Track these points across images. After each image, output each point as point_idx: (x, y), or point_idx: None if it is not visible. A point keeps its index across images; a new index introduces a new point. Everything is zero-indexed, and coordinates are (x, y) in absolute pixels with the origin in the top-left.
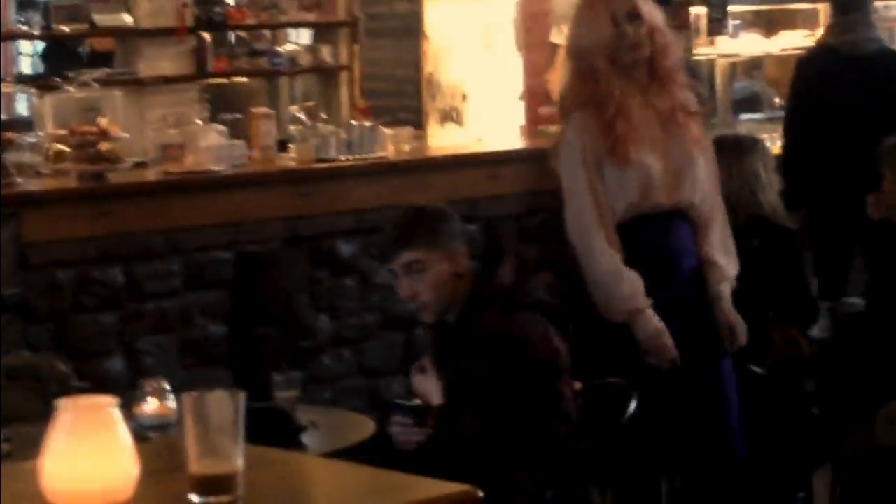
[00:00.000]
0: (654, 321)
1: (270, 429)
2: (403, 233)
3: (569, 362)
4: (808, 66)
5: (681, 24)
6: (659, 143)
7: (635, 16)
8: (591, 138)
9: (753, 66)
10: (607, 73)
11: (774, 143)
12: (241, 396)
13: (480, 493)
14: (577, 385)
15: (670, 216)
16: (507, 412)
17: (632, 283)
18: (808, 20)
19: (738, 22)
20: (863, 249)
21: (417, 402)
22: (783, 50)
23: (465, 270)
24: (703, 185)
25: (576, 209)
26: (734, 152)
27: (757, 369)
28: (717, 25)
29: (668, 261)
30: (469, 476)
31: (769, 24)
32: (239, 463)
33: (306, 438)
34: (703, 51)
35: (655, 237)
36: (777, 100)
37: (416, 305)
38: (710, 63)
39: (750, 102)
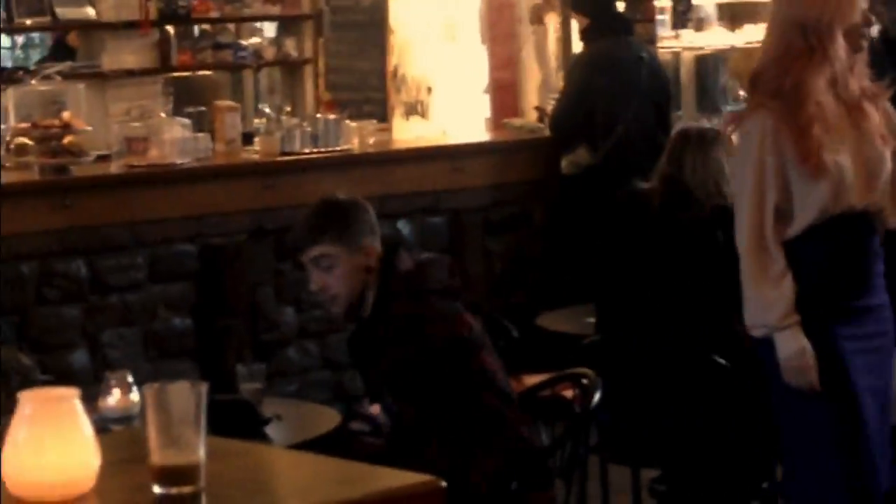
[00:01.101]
0: (799, 339)
1: (235, 421)
2: (312, 227)
3: (485, 337)
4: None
5: (646, 17)
6: (848, 138)
7: None
8: (775, 143)
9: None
10: (838, 53)
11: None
12: (203, 387)
13: (443, 484)
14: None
15: (862, 218)
16: (439, 393)
17: (781, 296)
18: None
19: (702, 15)
20: None
21: (377, 409)
22: (748, 43)
23: (376, 264)
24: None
25: (738, 210)
26: (698, 145)
27: (722, 361)
28: (681, 18)
29: (863, 266)
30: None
31: (732, 17)
32: (201, 454)
33: (271, 430)
34: (667, 44)
35: (849, 241)
36: (741, 93)
37: (324, 299)
38: (675, 56)
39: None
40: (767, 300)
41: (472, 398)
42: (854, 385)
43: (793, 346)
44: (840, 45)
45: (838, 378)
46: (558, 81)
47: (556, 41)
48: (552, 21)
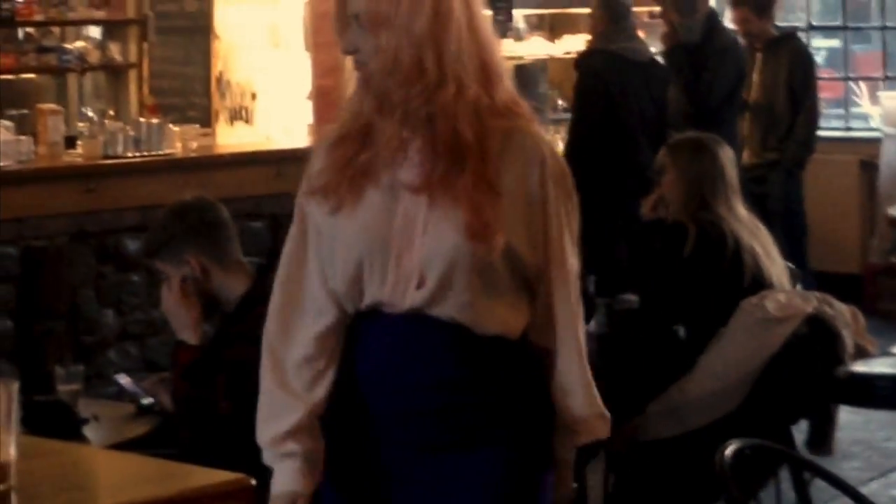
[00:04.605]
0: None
1: (52, 422)
2: (145, 244)
3: None
4: (599, 69)
5: None
6: None
7: None
8: None
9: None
10: None
11: (558, 145)
12: (14, 386)
13: (253, 482)
14: None
15: None
16: None
17: None
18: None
19: (523, 25)
20: (630, 248)
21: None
22: (566, 53)
23: (206, 269)
24: None
25: None
26: None
27: None
28: (502, 28)
29: None
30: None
31: (552, 27)
32: (11, 452)
33: (88, 431)
34: None
35: None
36: (560, 101)
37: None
38: None
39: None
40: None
41: None
42: None
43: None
44: None
45: None
46: None
47: None
48: None
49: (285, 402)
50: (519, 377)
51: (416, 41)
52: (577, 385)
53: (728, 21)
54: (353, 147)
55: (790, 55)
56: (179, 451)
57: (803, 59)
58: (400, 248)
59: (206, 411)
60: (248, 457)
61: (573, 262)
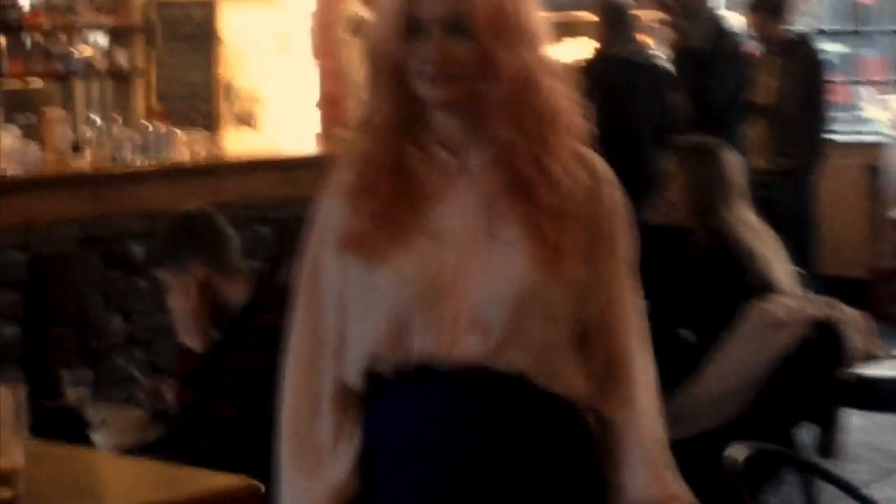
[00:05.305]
0: None
1: (60, 427)
2: (150, 254)
3: None
4: (602, 73)
5: None
6: None
7: None
8: None
9: None
10: None
11: None
12: (22, 391)
13: (263, 488)
14: None
15: None
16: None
17: None
18: (591, 30)
19: None
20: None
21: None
22: (568, 57)
23: (211, 278)
24: None
25: None
26: None
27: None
28: None
29: None
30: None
31: (554, 32)
32: (20, 457)
33: (96, 436)
34: None
35: None
36: None
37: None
38: None
39: None
40: None
41: None
42: None
43: None
44: None
45: None
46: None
47: None
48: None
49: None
50: (574, 447)
51: (535, 65)
52: (640, 459)
53: (735, 26)
54: (385, 184)
55: (804, 60)
56: (184, 456)
57: (816, 64)
58: (455, 292)
59: (210, 416)
60: (254, 460)
61: (639, 303)
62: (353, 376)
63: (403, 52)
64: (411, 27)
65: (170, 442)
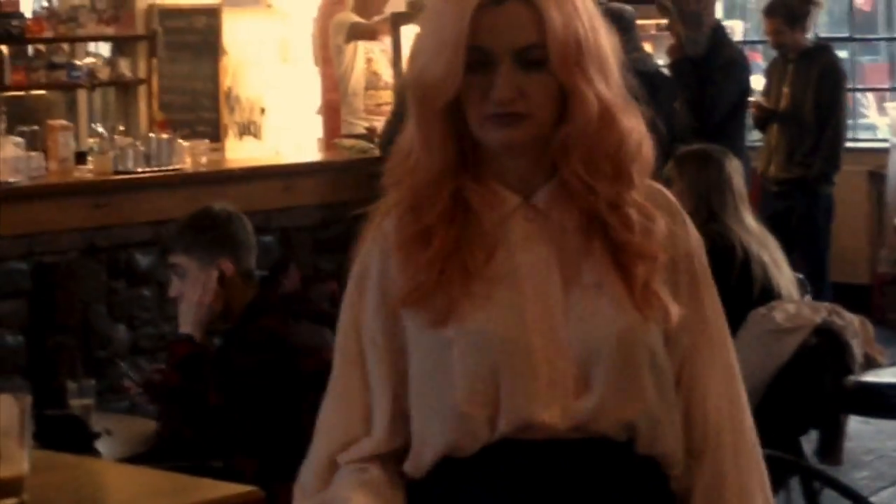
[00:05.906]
0: None
1: (64, 436)
2: (172, 236)
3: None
4: None
5: None
6: None
7: None
8: None
9: None
10: None
11: None
12: (27, 400)
13: (263, 494)
14: None
15: None
16: (268, 416)
17: None
18: None
19: None
20: None
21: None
22: None
23: (233, 278)
24: None
25: None
26: None
27: None
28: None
29: None
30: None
31: None
32: (25, 466)
33: (101, 445)
34: None
35: None
36: None
37: (180, 308)
38: None
39: None
40: None
41: (299, 434)
42: None
43: None
44: None
45: None
46: (359, 102)
47: (387, 62)
48: (363, 44)
49: None
50: None
51: (611, 99)
52: None
53: (734, 34)
54: (442, 228)
55: (821, 68)
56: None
57: (833, 72)
58: (543, 348)
59: (195, 402)
60: (240, 446)
61: (728, 340)
62: (424, 461)
63: (462, 89)
64: (473, 60)
65: (172, 450)
